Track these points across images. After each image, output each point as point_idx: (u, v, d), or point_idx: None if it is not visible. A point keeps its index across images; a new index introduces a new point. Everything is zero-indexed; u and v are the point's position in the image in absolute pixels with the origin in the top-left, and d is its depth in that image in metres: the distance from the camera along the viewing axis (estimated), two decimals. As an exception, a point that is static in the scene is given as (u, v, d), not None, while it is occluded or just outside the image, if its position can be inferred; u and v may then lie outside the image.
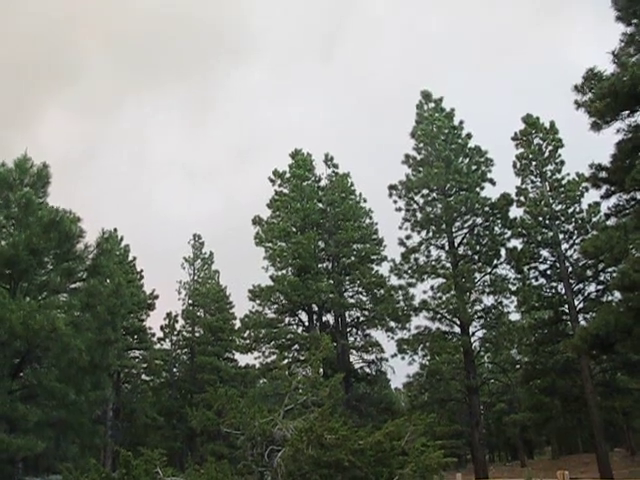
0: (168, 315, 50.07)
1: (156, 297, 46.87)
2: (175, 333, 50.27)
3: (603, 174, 20.65)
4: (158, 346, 48.83)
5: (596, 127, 19.71)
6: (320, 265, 38.05)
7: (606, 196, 21.02)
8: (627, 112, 19.36)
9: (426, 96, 35.56)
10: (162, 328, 49.69)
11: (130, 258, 45.42)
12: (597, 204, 29.34)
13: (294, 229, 38.13)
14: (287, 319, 37.86)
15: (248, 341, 37.92)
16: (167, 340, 49.87)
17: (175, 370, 50.42)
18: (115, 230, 42.39)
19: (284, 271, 37.35)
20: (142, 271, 46.51)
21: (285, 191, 39.64)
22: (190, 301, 50.70)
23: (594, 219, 29.99)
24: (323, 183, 40.36)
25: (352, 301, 37.72)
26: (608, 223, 22.54)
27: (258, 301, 36.90)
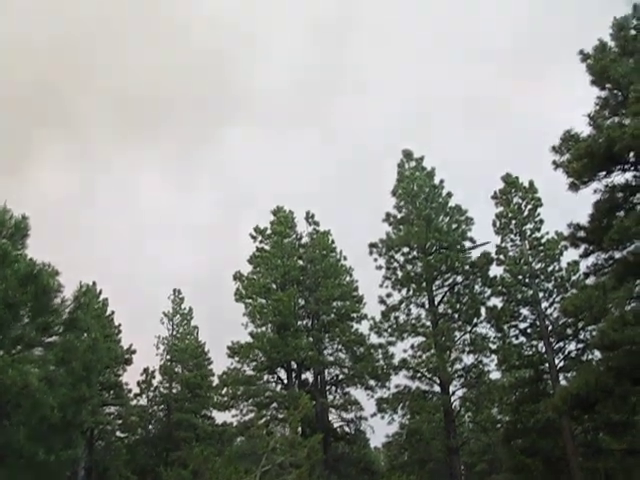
0: (145, 370, 49.26)
1: (133, 352, 46.09)
2: (152, 389, 49.37)
3: (581, 233, 20.90)
4: (134, 402, 47.85)
5: (574, 187, 20.06)
6: (300, 322, 37.77)
7: (585, 255, 21.23)
8: (604, 173, 19.75)
9: (407, 155, 36.07)
10: (139, 384, 48.83)
11: (108, 312, 44.87)
12: (576, 263, 29.52)
13: (274, 286, 37.91)
14: (266, 376, 37.34)
15: (226, 398, 37.28)
16: (144, 396, 48.90)
17: (151, 427, 49.37)
18: (94, 283, 42.03)
19: (264, 328, 36.97)
20: (120, 325, 45.90)
21: (266, 247, 39.54)
22: (168, 357, 50.00)
23: (573, 278, 30.16)
24: (304, 240, 40.43)
25: (331, 359, 37.36)
26: (587, 282, 22.70)
27: (237, 358, 36.44)
